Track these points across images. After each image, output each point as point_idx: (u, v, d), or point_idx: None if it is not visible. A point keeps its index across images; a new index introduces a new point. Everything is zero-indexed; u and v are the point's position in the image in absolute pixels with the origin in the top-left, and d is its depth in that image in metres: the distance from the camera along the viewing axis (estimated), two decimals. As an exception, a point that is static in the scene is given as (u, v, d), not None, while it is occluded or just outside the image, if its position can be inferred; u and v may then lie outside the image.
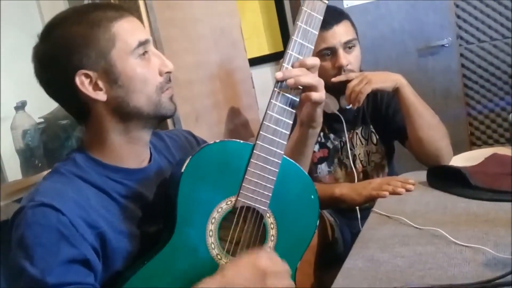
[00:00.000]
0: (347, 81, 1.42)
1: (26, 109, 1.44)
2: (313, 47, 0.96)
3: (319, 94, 0.97)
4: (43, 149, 1.49)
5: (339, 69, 1.45)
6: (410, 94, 1.37)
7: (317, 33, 0.96)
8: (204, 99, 1.82)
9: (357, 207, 1.48)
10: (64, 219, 0.80)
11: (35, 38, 0.90)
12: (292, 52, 0.95)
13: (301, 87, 0.96)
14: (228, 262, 0.89)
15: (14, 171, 1.41)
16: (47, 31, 0.89)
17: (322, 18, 0.97)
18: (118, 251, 0.86)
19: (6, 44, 1.43)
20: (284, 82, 0.94)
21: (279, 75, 0.94)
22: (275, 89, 0.94)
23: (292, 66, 0.95)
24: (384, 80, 1.37)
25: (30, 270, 0.76)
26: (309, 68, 0.95)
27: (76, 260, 0.80)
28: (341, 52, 1.45)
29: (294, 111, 0.95)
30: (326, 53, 1.45)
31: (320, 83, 0.97)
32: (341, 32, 1.44)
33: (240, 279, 0.81)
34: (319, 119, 1.05)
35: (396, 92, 1.38)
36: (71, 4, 1.65)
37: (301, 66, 0.94)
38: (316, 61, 0.96)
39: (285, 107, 0.94)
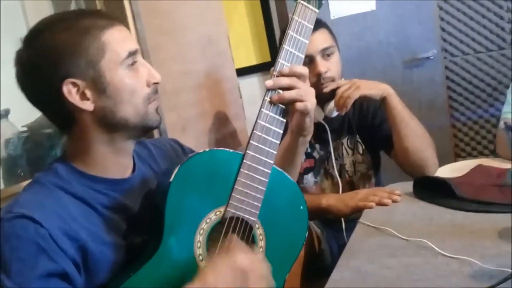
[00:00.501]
0: (334, 90, 1.44)
1: (9, 118, 1.41)
2: (303, 56, 0.96)
3: (304, 104, 0.96)
4: (26, 159, 1.46)
5: (318, 77, 1.46)
6: (397, 104, 1.39)
7: (307, 42, 0.96)
8: (191, 108, 1.81)
9: (342, 219, 1.48)
10: (43, 231, 0.77)
11: (19, 44, 0.87)
12: (282, 61, 0.95)
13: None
14: (207, 266, 0.86)
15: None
16: (33, 36, 0.87)
17: (312, 27, 0.97)
18: (101, 263, 0.84)
19: (-12, 50, 1.41)
20: (275, 91, 0.94)
21: (269, 83, 0.94)
22: (266, 98, 0.94)
23: (282, 73, 0.95)
24: (372, 87, 1.39)
25: (7, 284, 0.74)
26: (299, 77, 0.95)
27: (55, 274, 0.78)
28: (319, 59, 1.46)
29: (284, 120, 0.95)
30: (305, 61, 1.46)
31: (308, 92, 0.97)
32: (318, 40, 1.46)
33: (221, 283, 0.79)
34: (309, 128, 1.05)
35: (383, 101, 1.40)
36: (57, 6, 1.63)
37: (290, 74, 0.94)
38: (304, 70, 0.96)
39: (275, 116, 0.94)
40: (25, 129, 1.50)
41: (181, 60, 1.80)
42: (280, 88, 0.94)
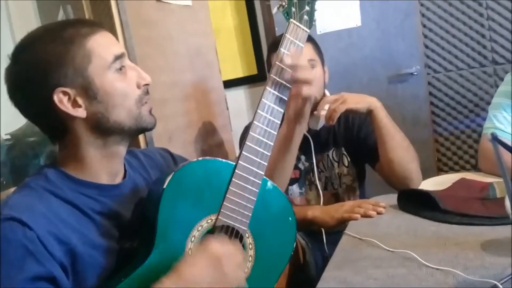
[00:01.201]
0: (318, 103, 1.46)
1: (-8, 125, 1.40)
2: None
3: (310, 89, 1.01)
4: (10, 166, 1.44)
5: None
6: (383, 117, 1.41)
7: (302, 47, 1.00)
8: (178, 118, 1.81)
9: (324, 231, 1.48)
10: (31, 234, 0.77)
11: (4, 55, 0.87)
12: (274, 76, 0.98)
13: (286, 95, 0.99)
14: (181, 258, 0.85)
15: (-22, 188, 1.36)
16: (19, 51, 0.87)
17: (303, 45, 1.01)
18: (91, 267, 0.84)
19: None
20: (270, 103, 0.96)
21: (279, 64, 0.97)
22: (259, 111, 0.95)
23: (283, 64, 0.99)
24: (359, 101, 1.41)
25: None
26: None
27: (42, 277, 0.77)
28: None
29: (275, 133, 0.97)
30: None
31: (311, 82, 1.02)
32: None
33: (196, 272, 0.80)
34: (307, 115, 1.10)
35: (369, 114, 1.42)
36: (44, 17, 1.63)
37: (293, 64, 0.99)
38: (305, 61, 1.02)
39: (267, 128, 0.96)
40: (8, 137, 1.48)
41: (169, 71, 1.80)
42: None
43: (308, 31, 1.01)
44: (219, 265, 0.81)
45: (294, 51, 0.99)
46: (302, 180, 1.60)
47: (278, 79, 0.98)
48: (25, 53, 0.86)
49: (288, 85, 0.99)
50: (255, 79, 2.97)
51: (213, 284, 0.81)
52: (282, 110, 0.98)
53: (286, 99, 0.98)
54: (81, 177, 0.90)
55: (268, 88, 0.96)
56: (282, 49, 0.98)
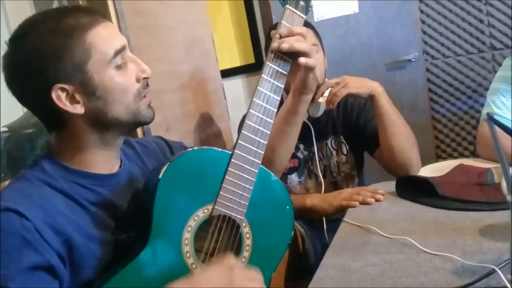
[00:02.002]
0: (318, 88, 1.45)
1: (-11, 118, 1.39)
2: (290, 60, 0.99)
3: (312, 60, 1.00)
4: (7, 159, 1.44)
5: None
6: (385, 103, 1.40)
7: (303, 17, 1.00)
8: (175, 108, 1.81)
9: (324, 219, 1.49)
10: (28, 224, 0.77)
11: (1, 47, 0.86)
12: (269, 63, 0.97)
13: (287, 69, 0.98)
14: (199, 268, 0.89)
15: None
16: (16, 39, 0.85)
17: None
18: (87, 258, 0.84)
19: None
20: (266, 91, 0.95)
21: (275, 45, 0.96)
22: (255, 99, 0.95)
23: (281, 36, 0.97)
24: (361, 86, 1.40)
25: None
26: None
27: (40, 267, 0.77)
28: None
29: (272, 121, 0.96)
30: None
31: (312, 49, 1.00)
32: None
33: (208, 276, 0.81)
34: (312, 86, 1.09)
35: (371, 99, 1.41)
36: (38, 7, 1.61)
37: (290, 34, 0.97)
38: (304, 29, 0.99)
39: (263, 117, 0.95)
40: (5, 129, 1.48)
41: (165, 60, 1.79)
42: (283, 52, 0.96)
43: (304, 17, 1.00)
44: (231, 273, 0.81)
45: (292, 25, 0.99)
46: (301, 169, 1.60)
47: (274, 66, 0.96)
48: (23, 42, 0.84)
49: (288, 59, 0.98)
50: (252, 68, 2.96)
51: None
52: (278, 98, 0.97)
53: (282, 87, 0.97)
54: (77, 167, 0.89)
55: (264, 76, 0.95)
56: (278, 36, 0.97)
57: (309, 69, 1.03)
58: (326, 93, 1.46)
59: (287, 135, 1.15)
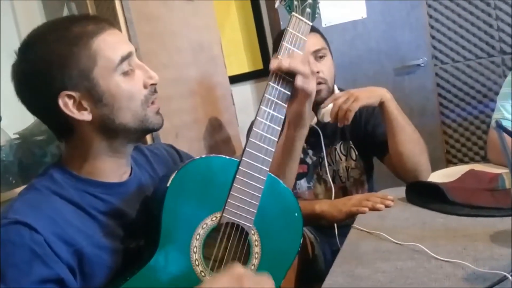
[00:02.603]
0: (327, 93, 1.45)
1: (1, 125, 1.40)
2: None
3: (311, 84, 0.98)
4: (18, 166, 1.45)
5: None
6: (393, 109, 1.39)
7: (301, 53, 0.98)
8: (183, 115, 1.81)
9: (335, 224, 1.48)
10: (38, 237, 0.77)
11: (9, 52, 0.86)
12: (277, 74, 0.97)
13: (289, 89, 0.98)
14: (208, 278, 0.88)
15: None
16: (25, 49, 0.86)
17: (306, 39, 1.00)
18: (97, 267, 0.84)
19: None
20: (272, 97, 0.94)
21: (274, 64, 0.95)
22: (262, 106, 0.95)
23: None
24: (370, 96, 1.39)
25: None
26: None
27: (50, 280, 0.77)
28: (311, 60, 1.48)
29: (279, 128, 0.96)
30: None
31: (312, 76, 0.99)
32: (310, 42, 1.47)
33: (216, 285, 0.80)
34: (307, 118, 1.06)
35: (380, 106, 1.40)
36: (49, 13, 1.63)
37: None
38: (305, 57, 0.98)
39: (270, 124, 0.95)
40: (17, 136, 1.49)
41: (173, 67, 1.80)
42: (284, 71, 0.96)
43: (311, 24, 1.00)
44: (241, 281, 0.80)
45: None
46: (310, 175, 1.60)
47: (280, 75, 0.96)
48: (30, 51, 0.85)
49: (290, 78, 0.97)
50: (260, 74, 2.97)
51: None
52: (286, 105, 0.97)
53: (289, 93, 0.97)
54: (86, 176, 0.90)
55: (270, 83, 0.96)
56: (285, 43, 0.97)
57: (307, 95, 1.00)
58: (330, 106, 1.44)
59: (286, 167, 1.14)
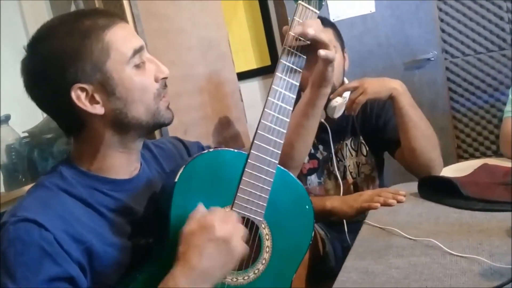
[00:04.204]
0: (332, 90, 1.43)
1: (10, 123, 1.41)
2: (305, 57, 0.96)
3: (332, 52, 0.97)
4: (27, 164, 1.45)
5: None
6: (404, 104, 1.36)
7: (308, 43, 0.96)
8: (192, 112, 1.80)
9: (345, 221, 1.46)
10: (47, 235, 0.76)
11: (19, 50, 0.85)
12: (284, 61, 0.95)
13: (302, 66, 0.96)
14: (184, 244, 0.78)
15: (-3, 185, 1.37)
16: (35, 43, 0.85)
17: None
18: (107, 264, 0.83)
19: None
20: (280, 88, 0.93)
21: (299, 29, 0.93)
22: (269, 98, 0.93)
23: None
24: (380, 90, 1.37)
25: None
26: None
27: (60, 278, 0.76)
28: None
29: (288, 120, 0.94)
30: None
31: (330, 41, 0.98)
32: None
33: (206, 261, 0.76)
34: (331, 78, 1.05)
35: (391, 100, 1.38)
36: (55, 12, 1.63)
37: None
38: (318, 22, 0.97)
39: (279, 116, 0.93)
40: (26, 134, 1.49)
41: (181, 64, 1.79)
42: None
43: (318, 12, 0.98)
44: (229, 247, 0.77)
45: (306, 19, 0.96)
46: (320, 170, 1.59)
47: (288, 63, 0.94)
48: (41, 45, 0.84)
49: (303, 55, 0.95)
50: (268, 70, 2.95)
51: (226, 266, 0.79)
52: (294, 96, 0.95)
53: (297, 84, 0.95)
54: (95, 173, 0.89)
55: (278, 74, 0.94)
56: (291, 33, 0.95)
57: (329, 61, 1.00)
58: (345, 94, 1.43)
59: (305, 129, 1.12)
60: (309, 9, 0.97)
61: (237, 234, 0.80)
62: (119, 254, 0.85)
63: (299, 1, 0.96)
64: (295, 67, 0.95)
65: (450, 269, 0.87)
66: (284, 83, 0.94)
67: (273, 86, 0.93)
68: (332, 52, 0.97)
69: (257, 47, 3.00)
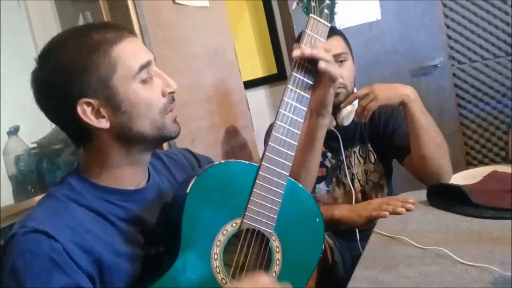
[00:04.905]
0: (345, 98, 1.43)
1: (19, 134, 1.42)
2: (315, 69, 0.97)
3: (334, 67, 0.97)
4: (36, 175, 1.46)
5: None
6: (416, 110, 1.35)
7: (324, 41, 0.97)
8: (199, 120, 1.81)
9: (357, 229, 1.45)
10: (57, 246, 0.77)
11: (28, 62, 0.87)
12: (296, 74, 0.95)
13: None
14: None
15: (6, 197, 1.38)
16: (44, 56, 0.86)
17: (324, 40, 0.99)
18: (117, 275, 0.83)
19: (-2, 68, 1.42)
20: (291, 101, 0.93)
21: (296, 51, 0.94)
22: (281, 110, 0.93)
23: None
24: (391, 96, 1.36)
25: None
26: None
27: None
28: None
29: (299, 132, 0.95)
30: None
31: (333, 60, 0.98)
32: (331, 45, 1.44)
33: None
34: (329, 105, 1.05)
35: (402, 106, 1.37)
36: (63, 25, 1.64)
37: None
38: (327, 46, 0.97)
39: (290, 128, 0.94)
40: (34, 145, 1.50)
41: (188, 73, 1.80)
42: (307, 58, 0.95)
43: (329, 25, 0.99)
44: None
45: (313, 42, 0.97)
46: (329, 178, 1.58)
47: (299, 76, 0.95)
48: (50, 58, 0.85)
49: (314, 68, 0.96)
50: (275, 79, 2.96)
51: None
52: (305, 108, 0.95)
53: (308, 96, 0.96)
54: (104, 183, 0.89)
55: (289, 86, 0.94)
56: (303, 45, 0.96)
57: (331, 80, 0.99)
58: (355, 102, 1.43)
59: (307, 162, 1.13)
60: (320, 22, 0.98)
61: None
62: (129, 264, 0.85)
63: (311, 14, 0.97)
64: (306, 80, 0.95)
65: (461, 278, 0.86)
66: (296, 96, 0.94)
67: (284, 98, 0.94)
68: (334, 67, 0.97)
69: (263, 55, 3.01)
